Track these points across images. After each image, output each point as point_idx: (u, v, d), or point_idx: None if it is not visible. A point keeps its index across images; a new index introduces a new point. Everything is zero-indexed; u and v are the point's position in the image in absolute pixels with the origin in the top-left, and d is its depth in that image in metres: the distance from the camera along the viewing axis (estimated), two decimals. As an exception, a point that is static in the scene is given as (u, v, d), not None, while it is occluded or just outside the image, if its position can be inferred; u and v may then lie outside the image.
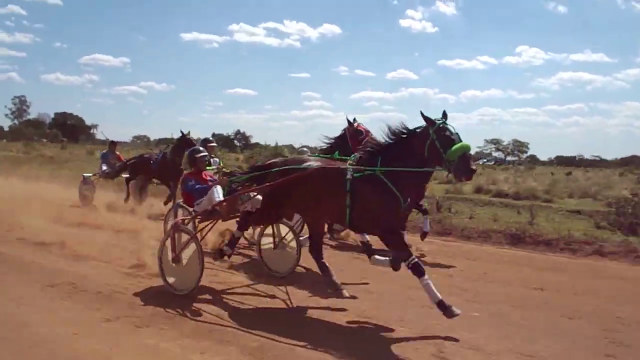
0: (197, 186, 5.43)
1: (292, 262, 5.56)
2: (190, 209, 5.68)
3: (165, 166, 9.76)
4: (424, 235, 7.36)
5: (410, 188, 4.26)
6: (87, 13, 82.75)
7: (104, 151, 12.13)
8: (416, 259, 4.11)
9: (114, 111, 79.33)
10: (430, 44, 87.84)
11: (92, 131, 51.69)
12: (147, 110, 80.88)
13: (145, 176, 10.22)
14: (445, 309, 3.95)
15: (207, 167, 7.02)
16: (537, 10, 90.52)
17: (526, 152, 66.92)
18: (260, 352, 3.58)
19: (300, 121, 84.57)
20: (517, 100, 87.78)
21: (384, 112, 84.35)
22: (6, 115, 55.14)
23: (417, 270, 4.05)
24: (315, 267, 5.12)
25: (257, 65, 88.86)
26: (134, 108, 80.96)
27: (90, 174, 11.19)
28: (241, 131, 59.48)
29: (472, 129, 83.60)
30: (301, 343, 3.72)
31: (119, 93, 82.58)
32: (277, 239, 5.61)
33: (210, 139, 8.84)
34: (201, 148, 6.17)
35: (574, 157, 65.69)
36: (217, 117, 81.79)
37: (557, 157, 66.23)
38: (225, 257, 5.32)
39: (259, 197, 5.06)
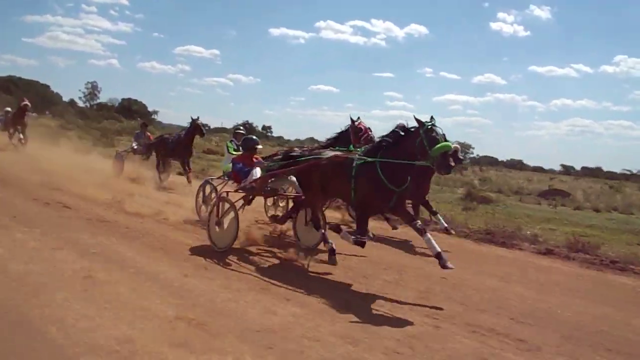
0: (245, 169, 6.69)
1: (318, 238, 6.60)
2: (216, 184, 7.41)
3: (179, 146, 11.48)
4: (446, 230, 7.89)
5: (401, 176, 5.26)
6: (184, 6, 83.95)
7: (137, 131, 13.86)
8: (363, 240, 5.36)
9: (202, 101, 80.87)
10: (521, 49, 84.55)
11: (152, 116, 54.30)
12: (233, 102, 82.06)
13: (163, 153, 11.89)
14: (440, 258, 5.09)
15: (234, 152, 8.56)
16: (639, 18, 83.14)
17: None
18: (268, 291, 4.89)
19: (381, 121, 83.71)
20: (611, 112, 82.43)
21: (468, 117, 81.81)
22: (79, 98, 59.34)
23: (359, 243, 5.37)
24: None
25: (341, 62, 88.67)
26: (221, 99, 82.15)
27: (122, 150, 12.91)
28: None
29: (560, 140, 79.96)
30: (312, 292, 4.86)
31: (208, 84, 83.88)
32: (308, 217, 6.71)
33: (240, 127, 10.18)
34: (254, 137, 7.32)
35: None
36: (301, 113, 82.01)
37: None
38: (276, 224, 6.77)
39: (293, 178, 6.29)
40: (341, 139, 7.49)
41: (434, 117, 5.16)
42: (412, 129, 5.23)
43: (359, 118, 7.67)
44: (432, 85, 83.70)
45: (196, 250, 6.15)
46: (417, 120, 5.16)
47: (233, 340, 3.67)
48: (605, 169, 57.13)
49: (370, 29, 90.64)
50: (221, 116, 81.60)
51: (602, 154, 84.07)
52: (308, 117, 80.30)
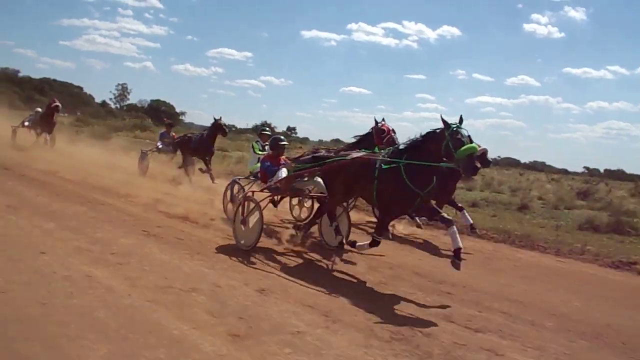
0: (273, 168, 6.82)
1: (340, 238, 6.65)
2: (244, 184, 7.61)
3: (201, 145, 11.70)
4: (472, 228, 7.87)
5: (426, 179, 5.25)
6: (217, 9, 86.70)
7: (162, 131, 14.18)
8: (379, 239, 5.55)
9: (235, 103, 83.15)
10: (556, 50, 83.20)
11: (180, 117, 56.14)
12: (265, 104, 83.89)
13: (187, 152, 12.09)
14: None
15: (259, 152, 8.65)
16: (674, 18, 78.11)
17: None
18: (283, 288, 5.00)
19: (413, 122, 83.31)
20: None
21: (501, 119, 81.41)
22: (110, 99, 62.27)
23: (374, 243, 5.58)
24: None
25: (373, 64, 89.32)
26: (254, 101, 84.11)
27: (147, 149, 13.20)
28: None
29: (595, 142, 78.39)
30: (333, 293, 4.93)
31: (241, 86, 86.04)
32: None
33: (265, 128, 10.33)
34: (282, 137, 7.37)
35: None
36: (332, 114, 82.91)
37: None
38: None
39: (319, 180, 6.39)
40: (366, 140, 7.56)
41: (462, 117, 5.14)
42: (438, 131, 5.19)
43: (383, 119, 7.71)
44: (465, 87, 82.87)
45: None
46: (443, 122, 5.12)
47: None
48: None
49: (402, 31, 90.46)
50: (254, 118, 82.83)
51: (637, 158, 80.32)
52: (339, 118, 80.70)
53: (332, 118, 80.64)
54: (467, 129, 5.11)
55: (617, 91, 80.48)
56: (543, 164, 62.75)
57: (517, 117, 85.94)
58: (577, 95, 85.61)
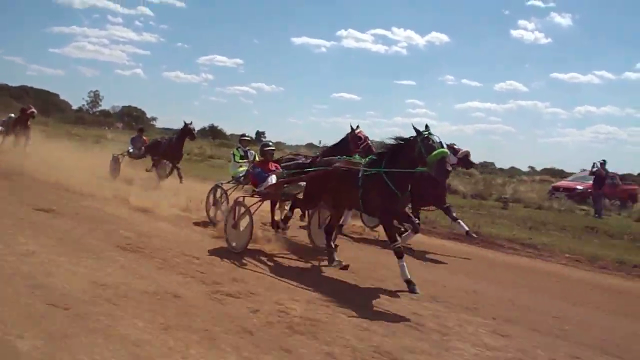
0: (264, 174, 7.15)
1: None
2: (226, 188, 7.99)
3: (170, 149, 12.18)
4: (469, 235, 8.04)
5: (404, 183, 5.56)
6: (208, 16, 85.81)
7: (133, 136, 14.37)
8: (399, 247, 5.39)
9: (226, 109, 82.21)
10: (543, 56, 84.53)
11: (151, 122, 57.21)
12: (257, 111, 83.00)
13: (156, 155, 12.52)
14: (409, 284, 5.34)
15: (240, 158, 8.86)
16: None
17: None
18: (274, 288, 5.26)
19: (402, 128, 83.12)
20: (636, 118, 78.85)
21: (490, 124, 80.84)
22: (82, 105, 62.37)
23: (397, 254, 5.38)
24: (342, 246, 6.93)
25: (363, 71, 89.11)
26: (245, 107, 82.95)
27: (119, 153, 13.32)
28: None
29: (585, 147, 79.50)
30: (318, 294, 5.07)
31: (232, 92, 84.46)
32: (321, 221, 7.12)
33: (246, 134, 10.50)
34: (270, 143, 7.69)
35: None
36: (324, 120, 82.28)
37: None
38: (280, 230, 7.19)
39: (303, 184, 6.68)
40: (340, 147, 7.69)
41: (428, 125, 5.44)
42: (411, 138, 5.48)
43: (358, 126, 7.84)
44: (454, 92, 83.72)
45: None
46: (415, 129, 5.43)
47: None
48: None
49: (391, 37, 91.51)
50: (245, 125, 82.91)
51: (626, 161, 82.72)
52: (331, 124, 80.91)
53: (323, 124, 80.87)
54: (438, 134, 5.42)
55: (604, 95, 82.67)
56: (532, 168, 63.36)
57: (507, 122, 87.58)
58: (565, 100, 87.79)
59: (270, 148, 7.49)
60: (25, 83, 58.25)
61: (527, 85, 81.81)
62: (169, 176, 12.26)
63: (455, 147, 8.15)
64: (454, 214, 8.28)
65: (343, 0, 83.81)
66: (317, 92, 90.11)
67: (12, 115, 16.81)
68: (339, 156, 6.80)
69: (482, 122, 77.69)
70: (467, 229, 8.13)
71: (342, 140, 7.85)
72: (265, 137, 11.61)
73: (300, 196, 6.88)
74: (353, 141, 7.63)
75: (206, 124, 56.58)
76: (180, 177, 11.97)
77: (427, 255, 7.66)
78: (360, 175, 5.77)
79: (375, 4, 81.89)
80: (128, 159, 13.35)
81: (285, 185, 6.91)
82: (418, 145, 5.31)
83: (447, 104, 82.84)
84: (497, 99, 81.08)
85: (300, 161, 7.78)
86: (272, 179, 6.96)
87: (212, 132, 53.44)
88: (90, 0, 78.00)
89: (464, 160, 8.45)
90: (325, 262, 6.31)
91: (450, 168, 5.60)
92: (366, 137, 7.67)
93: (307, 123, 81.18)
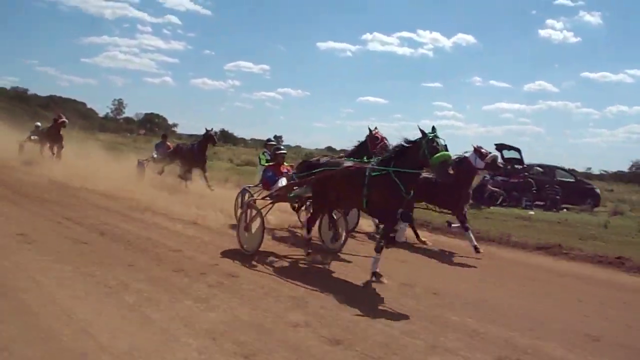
0: (275, 177, 7.32)
1: (340, 242, 7.11)
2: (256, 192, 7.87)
3: (192, 154, 12.50)
4: (476, 249, 7.73)
5: (411, 184, 5.62)
6: (234, 23, 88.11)
7: (157, 142, 14.73)
8: (392, 236, 5.69)
9: (252, 115, 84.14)
10: (572, 55, 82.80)
11: (173, 129, 58.63)
12: (283, 116, 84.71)
13: (180, 161, 12.86)
14: (376, 275, 5.62)
15: (266, 162, 9.05)
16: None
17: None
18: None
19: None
20: None
21: (520, 125, 79.80)
22: (107, 113, 64.60)
23: (378, 248, 5.67)
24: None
25: (389, 74, 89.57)
26: (272, 113, 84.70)
27: (144, 159, 13.82)
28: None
29: (617, 147, 74.46)
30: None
31: (258, 98, 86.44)
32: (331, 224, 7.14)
33: (271, 139, 10.82)
34: (282, 147, 7.94)
35: None
36: (350, 124, 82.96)
37: None
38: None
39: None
40: (362, 149, 7.91)
41: (435, 127, 5.54)
42: (417, 140, 5.56)
43: (376, 128, 8.09)
44: (482, 94, 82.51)
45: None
46: (421, 131, 5.52)
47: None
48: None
49: (417, 40, 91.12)
50: (272, 130, 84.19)
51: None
52: (355, 128, 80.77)
53: (349, 127, 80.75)
54: (444, 138, 5.49)
55: (637, 95, 79.97)
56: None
57: (537, 123, 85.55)
58: (597, 99, 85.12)
59: (282, 151, 7.66)
60: (58, 92, 60.28)
61: (557, 85, 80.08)
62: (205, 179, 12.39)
63: (482, 150, 7.98)
64: (467, 224, 8.06)
65: (368, 4, 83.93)
66: (343, 96, 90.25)
67: (39, 124, 17.46)
68: (352, 158, 6.91)
69: (511, 124, 76.08)
70: (475, 243, 7.84)
71: (363, 142, 8.14)
72: (283, 141, 12.07)
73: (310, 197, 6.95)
74: (371, 141, 7.90)
75: (226, 129, 57.64)
76: (207, 182, 12.14)
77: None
78: (367, 174, 5.83)
79: (400, 6, 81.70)
80: (153, 164, 13.64)
81: (295, 188, 6.94)
82: (422, 147, 5.41)
83: (475, 105, 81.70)
84: (527, 99, 79.38)
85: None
86: (282, 181, 7.09)
87: (224, 136, 54.72)
88: (120, 10, 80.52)
89: (492, 165, 8.17)
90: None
91: (451, 172, 5.62)
92: (383, 137, 7.87)
93: (333, 127, 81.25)
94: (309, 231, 6.74)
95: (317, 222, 7.27)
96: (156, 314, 4.25)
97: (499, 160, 8.36)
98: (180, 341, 3.74)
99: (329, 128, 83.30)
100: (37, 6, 72.27)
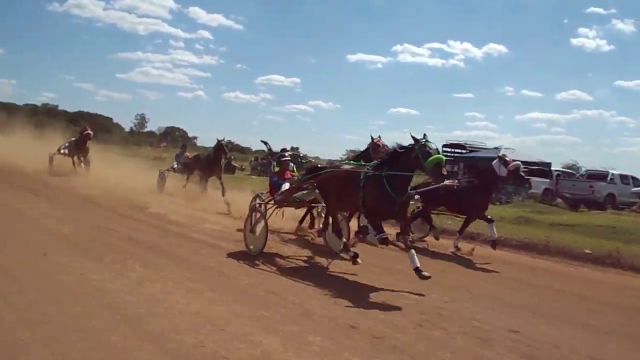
0: (280, 182, 7.77)
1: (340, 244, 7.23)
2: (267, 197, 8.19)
3: (207, 163, 13.24)
4: (493, 244, 7.97)
5: (402, 187, 5.99)
6: (265, 37, 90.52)
7: (177, 152, 15.41)
8: (385, 236, 5.99)
9: (284, 128, 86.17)
10: (606, 64, 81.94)
11: (193, 141, 59.87)
12: (314, 128, 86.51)
13: (197, 170, 13.62)
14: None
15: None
16: None
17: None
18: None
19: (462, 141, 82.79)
20: None
21: (553, 135, 79.82)
22: (131, 128, 67.28)
23: (383, 242, 6.07)
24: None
25: (419, 85, 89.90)
26: (303, 125, 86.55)
27: (165, 169, 14.45)
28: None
29: None
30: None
31: (289, 111, 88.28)
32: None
33: (286, 149, 11.20)
34: (286, 154, 8.45)
35: None
36: (382, 136, 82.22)
37: None
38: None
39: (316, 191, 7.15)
40: (365, 156, 8.33)
41: (425, 134, 5.93)
42: (410, 146, 5.95)
43: (379, 136, 8.48)
44: (514, 104, 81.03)
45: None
46: (412, 138, 5.92)
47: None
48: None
49: (447, 51, 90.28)
50: (303, 143, 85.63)
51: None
52: (388, 139, 79.46)
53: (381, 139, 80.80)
54: (435, 143, 5.94)
55: None
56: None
57: (571, 133, 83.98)
58: (632, 108, 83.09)
59: (285, 159, 8.20)
60: (95, 108, 61.91)
61: (591, 94, 78.26)
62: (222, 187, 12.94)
63: (506, 158, 8.03)
64: (489, 217, 8.23)
65: (398, 16, 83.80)
66: (374, 108, 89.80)
67: (73, 138, 18.14)
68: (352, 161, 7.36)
69: (544, 133, 74.66)
70: (496, 236, 8.04)
71: (365, 149, 8.57)
72: (299, 152, 12.71)
73: (313, 202, 7.37)
74: (373, 149, 8.27)
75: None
76: (223, 190, 12.69)
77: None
78: (362, 176, 6.27)
79: (430, 18, 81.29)
80: (173, 173, 14.28)
81: (297, 191, 7.33)
82: (416, 152, 5.78)
83: (508, 115, 79.80)
84: (560, 109, 77.70)
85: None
86: (285, 186, 7.54)
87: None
88: (153, 26, 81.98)
89: (515, 173, 8.10)
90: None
91: (445, 173, 5.89)
92: (384, 145, 8.20)
93: (365, 138, 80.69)
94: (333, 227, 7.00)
95: (323, 227, 7.60)
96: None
97: (522, 168, 8.24)
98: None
99: (360, 140, 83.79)
100: (75, 23, 73.15)
